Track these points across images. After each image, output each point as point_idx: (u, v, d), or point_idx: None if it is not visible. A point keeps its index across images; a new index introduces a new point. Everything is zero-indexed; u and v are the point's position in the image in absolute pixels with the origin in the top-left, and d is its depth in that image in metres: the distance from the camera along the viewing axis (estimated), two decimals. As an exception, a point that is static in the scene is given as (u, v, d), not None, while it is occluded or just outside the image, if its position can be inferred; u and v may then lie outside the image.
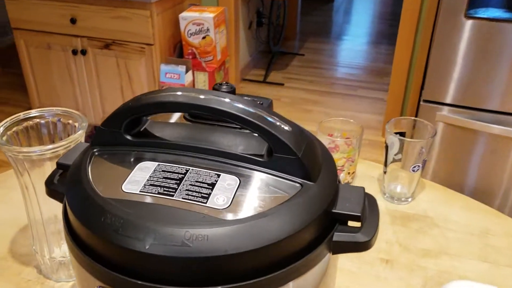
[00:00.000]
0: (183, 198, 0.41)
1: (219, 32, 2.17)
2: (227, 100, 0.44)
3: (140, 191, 0.42)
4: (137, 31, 2.04)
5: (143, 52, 2.10)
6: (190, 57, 2.17)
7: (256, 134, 0.44)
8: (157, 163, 0.45)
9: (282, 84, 3.13)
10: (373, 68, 3.40)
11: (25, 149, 0.58)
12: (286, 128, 0.44)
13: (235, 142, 0.48)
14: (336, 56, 3.66)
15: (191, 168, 0.44)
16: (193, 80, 2.20)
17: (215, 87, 0.55)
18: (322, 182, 0.44)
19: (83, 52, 2.18)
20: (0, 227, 0.78)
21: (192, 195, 0.41)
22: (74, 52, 2.19)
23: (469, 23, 1.70)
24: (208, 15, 2.10)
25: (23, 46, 2.28)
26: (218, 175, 0.44)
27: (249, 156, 0.45)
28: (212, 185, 0.43)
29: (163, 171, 0.44)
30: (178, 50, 2.22)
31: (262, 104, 0.53)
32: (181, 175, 0.43)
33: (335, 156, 0.84)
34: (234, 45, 2.54)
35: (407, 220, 0.81)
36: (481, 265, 0.72)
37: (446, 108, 1.81)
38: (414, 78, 2.30)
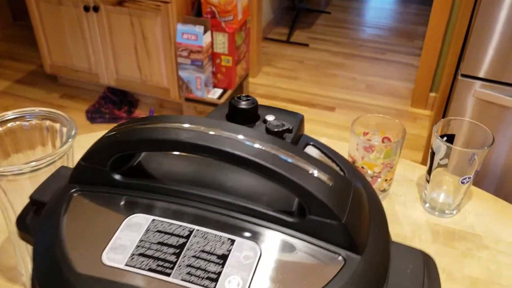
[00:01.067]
0: (182, 280, 0.30)
1: (240, -10, 2.01)
2: (247, 141, 0.32)
3: (126, 265, 0.31)
4: (153, -12, 1.89)
5: (159, 10, 1.95)
6: (209, 16, 2.02)
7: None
8: (152, 217, 0.34)
9: (307, 45, 2.95)
10: (403, 29, 3.19)
11: (1, 168, 0.47)
12: (326, 179, 0.33)
13: (256, 189, 0.36)
14: (364, 15, 3.44)
15: (195, 228, 0.33)
16: (212, 42, 2.06)
17: (232, 102, 0.43)
18: (371, 253, 0.33)
19: (95, 9, 2.04)
20: (-14, 231, 0.69)
21: (195, 275, 0.30)
22: (86, 9, 2.05)
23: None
24: (229, -29, 1.93)
25: (33, 0, 2.15)
26: (232, 241, 0.32)
27: (274, 214, 0.33)
28: (224, 257, 0.32)
29: (158, 231, 0.33)
30: (196, 9, 2.07)
31: (290, 129, 0.41)
32: (183, 240, 0.32)
33: (371, 158, 0.72)
34: (256, 1, 2.37)
35: (452, 238, 0.70)
36: (541, 303, 0.61)
37: (485, 84, 1.65)
38: (451, 46, 2.11)
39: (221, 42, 2.06)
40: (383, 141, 0.76)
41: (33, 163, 0.47)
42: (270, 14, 3.02)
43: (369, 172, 0.73)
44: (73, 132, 0.52)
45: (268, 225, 0.33)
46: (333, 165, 0.39)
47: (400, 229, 0.71)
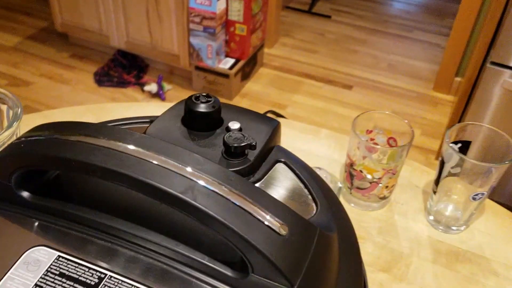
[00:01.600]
0: None
1: (260, -45, 1.88)
2: (179, 171, 0.24)
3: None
4: None
5: (172, -27, 1.85)
6: (225, -18, 1.91)
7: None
8: (57, 253, 0.27)
9: (329, 17, 2.81)
10: (433, 6, 3.01)
11: None
12: (279, 227, 0.25)
13: (197, 227, 0.28)
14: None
15: (108, 274, 0.26)
16: (227, 9, 1.95)
17: (188, 103, 0.34)
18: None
19: (108, -33, 1.94)
20: None
21: None
22: (98, -34, 1.96)
23: None
24: None
25: (45, -46, 2.06)
26: (150, 298, 0.25)
27: (210, 265, 0.26)
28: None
29: (60, 274, 0.26)
30: (212, -27, 1.95)
31: (253, 145, 0.33)
32: (87, 290, 0.25)
33: (372, 160, 0.63)
34: (278, -30, 2.24)
35: (455, 259, 0.62)
36: None
37: (516, 73, 1.52)
38: (483, 29, 1.97)
39: (236, 9, 1.95)
40: (388, 142, 0.68)
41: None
42: (293, -18, 2.87)
43: (369, 177, 0.64)
44: (17, 115, 0.45)
45: (201, 277, 0.26)
46: (304, 193, 0.31)
47: (397, 244, 0.63)
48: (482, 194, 0.60)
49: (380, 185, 0.65)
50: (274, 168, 0.34)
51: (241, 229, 0.24)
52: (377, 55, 2.50)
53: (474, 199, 0.61)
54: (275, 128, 0.37)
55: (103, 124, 0.28)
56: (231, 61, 2.05)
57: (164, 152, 0.25)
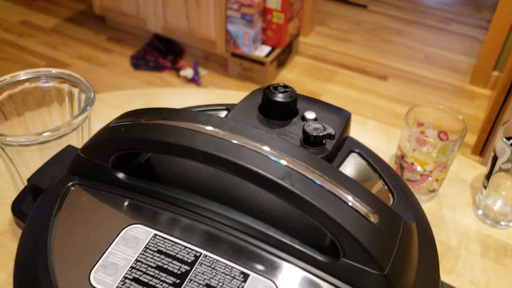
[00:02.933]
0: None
1: None
2: (273, 157, 0.26)
3: (115, 290, 0.26)
4: None
5: (212, -41, 1.85)
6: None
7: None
8: (153, 231, 0.29)
9: (365, 6, 2.78)
10: (472, -3, 2.95)
11: (9, 138, 0.42)
12: (371, 215, 0.26)
13: (282, 212, 0.30)
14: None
15: (203, 253, 0.27)
16: (265, -4, 1.95)
17: (267, 93, 0.36)
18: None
19: (148, -49, 1.96)
20: None
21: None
22: (139, -50, 1.98)
23: None
24: None
25: None
26: (246, 276, 0.27)
27: (301, 248, 0.27)
28: (232, 297, 0.26)
29: (158, 251, 0.28)
30: (251, -40, 1.95)
31: (332, 135, 0.34)
32: (186, 267, 0.27)
33: (423, 152, 0.64)
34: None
35: (504, 254, 0.62)
36: None
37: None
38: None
39: (275, -3, 1.95)
40: (438, 136, 0.68)
41: (45, 134, 0.42)
42: (330, -30, 2.84)
43: (419, 169, 0.65)
44: (89, 100, 0.46)
45: (291, 260, 0.27)
46: (380, 183, 0.32)
47: (445, 237, 0.64)
48: (536, 191, 0.60)
49: (430, 178, 0.65)
50: (348, 158, 0.36)
51: (337, 216, 0.25)
52: (413, 46, 2.47)
53: (527, 195, 0.61)
54: (348, 119, 0.38)
55: (194, 111, 0.30)
56: (267, 48, 2.05)
57: (259, 139, 0.27)
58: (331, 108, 0.38)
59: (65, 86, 0.49)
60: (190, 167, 0.32)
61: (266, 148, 0.26)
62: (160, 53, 2.20)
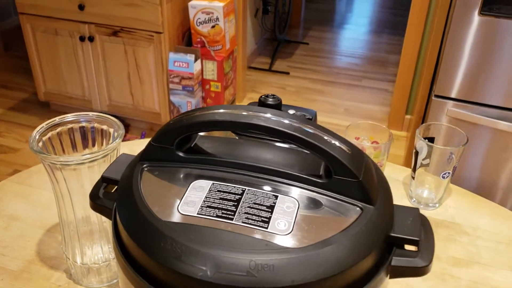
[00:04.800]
0: (243, 222, 0.40)
1: (228, 21, 2.14)
2: (286, 120, 0.43)
3: (197, 214, 0.41)
4: (147, 18, 2.00)
5: (152, 40, 2.06)
6: (199, 45, 2.14)
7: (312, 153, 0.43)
8: (212, 182, 0.44)
9: (288, 73, 3.10)
10: (377, 57, 3.37)
11: (62, 158, 0.56)
12: (346, 149, 0.43)
13: (289, 160, 0.46)
14: (339, 45, 3.63)
15: (247, 188, 0.43)
16: (202, 69, 2.18)
17: (262, 99, 0.53)
18: (381, 205, 0.44)
19: (91, 39, 2.14)
20: (27, 228, 0.77)
21: (252, 219, 0.40)
22: (82, 39, 2.16)
23: (482, 20, 1.68)
24: (218, 4, 2.07)
25: (29, 31, 2.24)
26: (276, 197, 0.43)
27: (307, 177, 0.44)
28: (271, 207, 0.42)
29: (218, 191, 0.43)
30: (186, 39, 2.19)
31: (310, 118, 0.52)
32: (238, 196, 0.42)
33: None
34: (242, 33, 2.51)
35: (436, 226, 0.81)
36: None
37: (456, 103, 1.80)
38: (423, 71, 2.28)
39: (211, 69, 2.18)
40: (372, 144, 0.88)
41: (88, 155, 0.56)
42: (253, 45, 3.17)
43: (363, 171, 0.84)
44: (120, 132, 0.61)
45: (302, 186, 0.44)
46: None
47: (391, 220, 0.82)
48: (448, 173, 0.81)
49: (372, 177, 0.84)
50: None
51: (331, 150, 0.42)
52: (334, 102, 2.78)
53: (443, 177, 0.81)
54: (315, 115, 0.56)
55: (226, 105, 0.46)
56: (208, 114, 2.25)
57: (275, 114, 0.44)
58: (302, 108, 0.56)
59: (98, 124, 0.63)
60: (222, 145, 0.48)
61: (280, 117, 0.43)
62: (107, 129, 2.33)
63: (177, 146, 0.46)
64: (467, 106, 1.78)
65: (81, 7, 2.07)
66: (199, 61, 2.13)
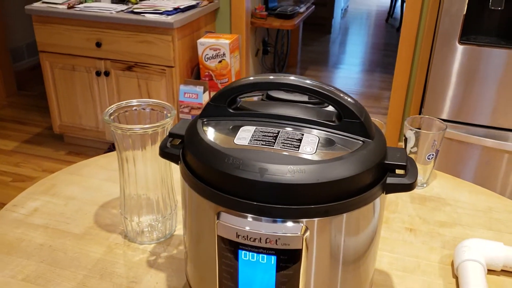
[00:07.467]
0: (281, 147, 0.57)
1: (233, 56, 2.35)
2: (308, 81, 0.60)
3: (248, 143, 0.58)
4: (159, 54, 2.21)
5: (164, 74, 2.26)
6: (207, 79, 2.34)
7: (325, 108, 0.60)
8: (255, 127, 0.61)
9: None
10: (370, 93, 3.60)
11: (129, 126, 0.73)
12: (351, 100, 0.61)
13: (308, 113, 0.64)
14: (334, 83, 3.86)
15: (281, 130, 0.60)
16: (208, 100, 2.37)
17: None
18: (377, 141, 0.60)
19: (106, 74, 2.34)
20: (83, 205, 0.92)
21: (287, 145, 0.57)
22: (98, 74, 2.35)
23: (462, 48, 1.90)
24: (224, 41, 2.29)
25: (48, 68, 2.44)
26: (302, 134, 0.59)
27: (324, 121, 0.61)
28: (300, 140, 0.58)
29: (261, 132, 0.60)
30: (195, 73, 2.39)
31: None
32: (275, 134, 0.59)
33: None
34: (245, 69, 2.72)
35: (424, 200, 0.97)
36: (488, 232, 0.88)
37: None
38: (413, 98, 2.49)
39: (217, 100, 2.37)
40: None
41: (150, 125, 0.73)
42: (252, 82, 3.38)
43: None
44: (172, 112, 0.78)
45: (321, 128, 0.61)
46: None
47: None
48: (433, 154, 0.98)
49: (369, 161, 1.01)
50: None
51: (340, 99, 0.59)
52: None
53: (428, 158, 0.98)
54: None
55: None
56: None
57: (296, 77, 0.61)
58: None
59: (156, 108, 0.80)
60: (258, 106, 0.66)
61: (302, 79, 0.61)
62: (119, 158, 2.49)
63: (228, 104, 0.63)
64: (456, 126, 1.97)
65: (98, 45, 2.28)
66: (207, 92, 2.32)
